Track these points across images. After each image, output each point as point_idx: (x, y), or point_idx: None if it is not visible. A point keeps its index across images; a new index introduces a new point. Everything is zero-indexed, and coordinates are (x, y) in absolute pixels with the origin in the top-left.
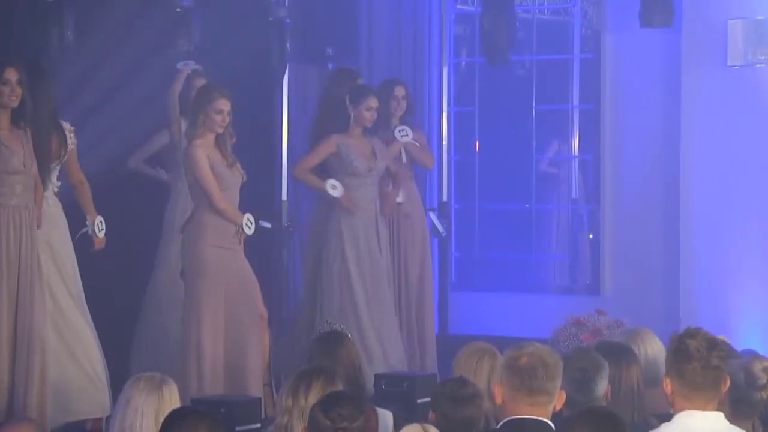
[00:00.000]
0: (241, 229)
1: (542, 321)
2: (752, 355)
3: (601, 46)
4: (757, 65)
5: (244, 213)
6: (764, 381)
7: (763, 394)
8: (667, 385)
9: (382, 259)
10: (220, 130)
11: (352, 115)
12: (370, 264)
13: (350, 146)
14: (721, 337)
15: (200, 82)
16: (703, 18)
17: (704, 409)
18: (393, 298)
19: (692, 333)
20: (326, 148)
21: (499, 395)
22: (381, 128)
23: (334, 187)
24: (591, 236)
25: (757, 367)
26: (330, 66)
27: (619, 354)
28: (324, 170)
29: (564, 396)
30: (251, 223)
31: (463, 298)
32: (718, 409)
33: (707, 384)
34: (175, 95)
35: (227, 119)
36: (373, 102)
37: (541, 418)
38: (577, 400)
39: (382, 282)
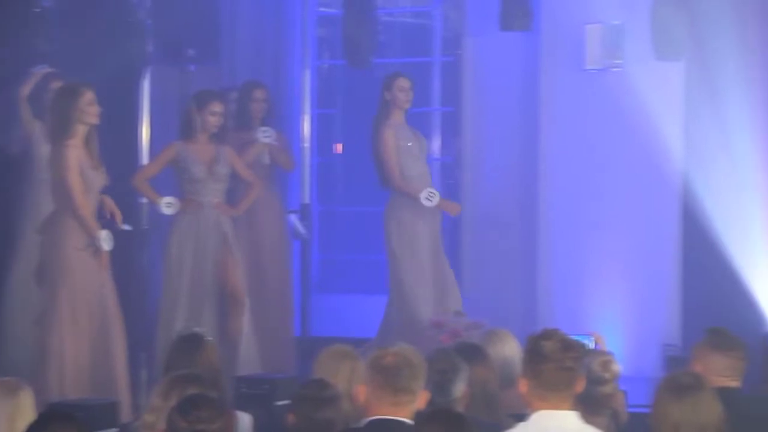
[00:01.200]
0: (97, 243)
1: None
2: (591, 351)
3: (462, 50)
4: (614, 69)
5: (103, 227)
6: (605, 376)
7: (607, 389)
8: (523, 385)
9: (228, 260)
10: (95, 120)
11: (198, 120)
12: (211, 265)
13: (189, 152)
14: (596, 334)
15: (57, 83)
16: (561, 22)
17: (559, 408)
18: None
19: (548, 335)
20: (166, 156)
21: (362, 394)
22: (243, 130)
23: (168, 206)
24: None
25: (597, 363)
26: (192, 68)
27: (475, 355)
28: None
29: (426, 396)
30: (108, 239)
31: (325, 301)
32: (572, 409)
33: (562, 384)
34: (23, 97)
35: (98, 109)
36: (217, 107)
37: (403, 419)
38: (435, 401)
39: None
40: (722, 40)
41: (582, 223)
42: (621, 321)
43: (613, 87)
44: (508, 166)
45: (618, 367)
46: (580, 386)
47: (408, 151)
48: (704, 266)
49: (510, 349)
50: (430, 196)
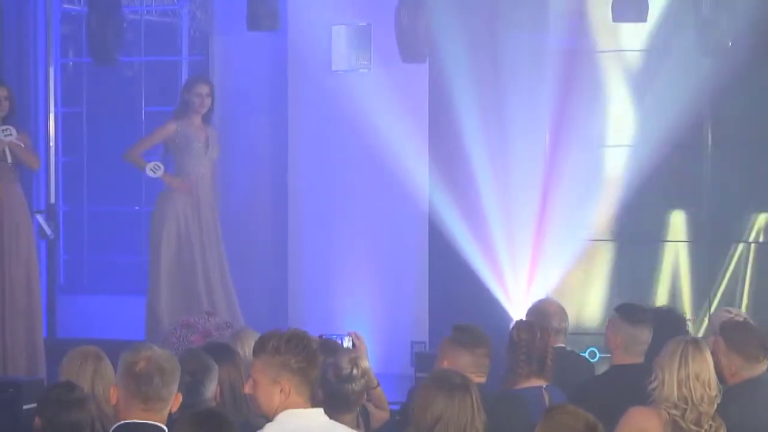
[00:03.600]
0: None
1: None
2: (339, 349)
3: (210, 49)
4: (360, 70)
5: None
6: (352, 372)
7: (354, 386)
8: None
9: None
10: None
11: None
12: None
13: None
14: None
15: None
16: (308, 23)
17: (304, 406)
18: None
19: (271, 333)
20: None
21: (114, 396)
22: None
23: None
24: None
25: (344, 360)
26: None
27: (225, 355)
28: None
29: (180, 398)
30: None
31: (73, 302)
32: (316, 406)
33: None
34: None
35: None
36: None
37: (155, 423)
38: (187, 402)
39: None
40: (460, 41)
41: (332, 224)
42: (370, 320)
43: (361, 88)
44: (258, 167)
45: (366, 363)
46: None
47: (193, 151)
48: (449, 265)
49: None
50: (155, 169)
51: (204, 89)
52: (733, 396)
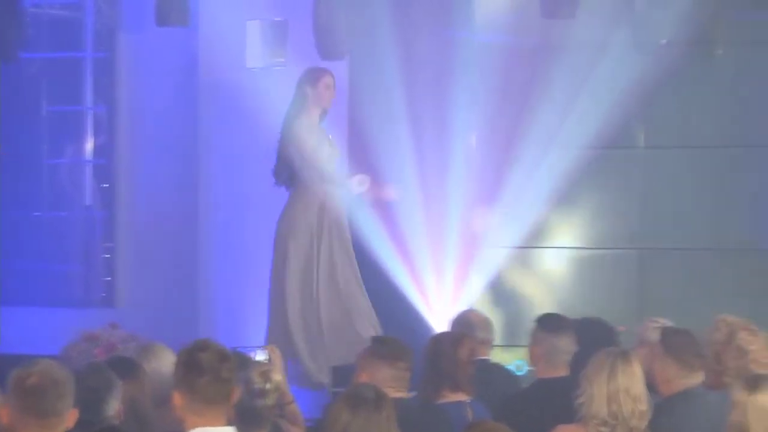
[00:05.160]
0: None
1: (54, 336)
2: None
3: (116, 45)
4: (276, 67)
5: None
6: (264, 387)
7: (267, 401)
8: (177, 399)
9: None
10: None
11: None
12: None
13: None
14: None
15: None
16: (221, 18)
17: (216, 424)
18: None
19: (203, 346)
20: None
21: (5, 417)
22: None
23: None
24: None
25: (255, 374)
26: None
27: (128, 370)
28: None
29: (76, 414)
30: None
31: None
32: (229, 424)
33: (219, 398)
34: None
35: None
36: None
37: None
38: (86, 420)
39: None
40: (382, 38)
41: (245, 229)
42: None
43: (276, 86)
44: (167, 168)
45: (280, 377)
46: (235, 398)
47: None
48: (368, 276)
49: (167, 365)
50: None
51: (331, 80)
52: (666, 409)
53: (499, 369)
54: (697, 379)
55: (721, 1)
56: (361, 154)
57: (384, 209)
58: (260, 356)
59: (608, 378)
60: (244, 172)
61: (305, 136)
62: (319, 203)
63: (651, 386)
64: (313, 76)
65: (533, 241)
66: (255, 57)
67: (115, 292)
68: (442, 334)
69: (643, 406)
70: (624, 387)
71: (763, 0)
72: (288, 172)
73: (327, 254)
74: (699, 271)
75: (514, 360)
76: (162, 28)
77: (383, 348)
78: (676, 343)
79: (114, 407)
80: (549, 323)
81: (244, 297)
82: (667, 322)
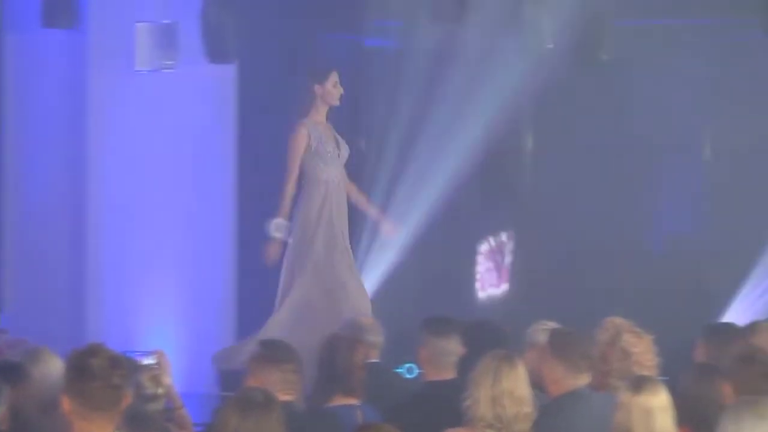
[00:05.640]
0: None
1: None
2: (140, 367)
3: (2, 46)
4: (166, 70)
5: None
6: (156, 392)
7: (156, 406)
8: (66, 404)
9: None
10: None
11: None
12: None
13: None
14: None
15: None
16: (109, 20)
17: (105, 430)
18: None
19: (94, 350)
20: None
21: None
22: None
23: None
24: None
25: (145, 378)
26: None
27: (14, 375)
28: None
29: None
30: None
31: None
32: (118, 429)
33: (109, 404)
34: None
35: None
36: None
37: None
38: None
39: None
40: (272, 41)
41: (134, 232)
42: (174, 335)
43: (166, 89)
44: (55, 170)
45: (169, 381)
46: (126, 404)
47: (327, 155)
48: (259, 280)
49: (54, 370)
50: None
51: (338, 77)
52: (553, 410)
53: (389, 372)
54: (583, 380)
55: (605, 8)
56: (252, 158)
57: (272, 210)
58: (149, 360)
59: (493, 381)
60: (135, 174)
61: (300, 143)
62: (322, 197)
63: (541, 387)
64: (321, 73)
65: (424, 242)
66: (144, 60)
67: (1, 296)
68: (337, 338)
69: (528, 408)
70: (508, 390)
71: (645, 7)
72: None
73: (322, 243)
74: (582, 270)
75: (404, 363)
76: (48, 30)
77: (271, 351)
78: (563, 345)
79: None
80: (435, 326)
81: (133, 300)
82: (555, 325)
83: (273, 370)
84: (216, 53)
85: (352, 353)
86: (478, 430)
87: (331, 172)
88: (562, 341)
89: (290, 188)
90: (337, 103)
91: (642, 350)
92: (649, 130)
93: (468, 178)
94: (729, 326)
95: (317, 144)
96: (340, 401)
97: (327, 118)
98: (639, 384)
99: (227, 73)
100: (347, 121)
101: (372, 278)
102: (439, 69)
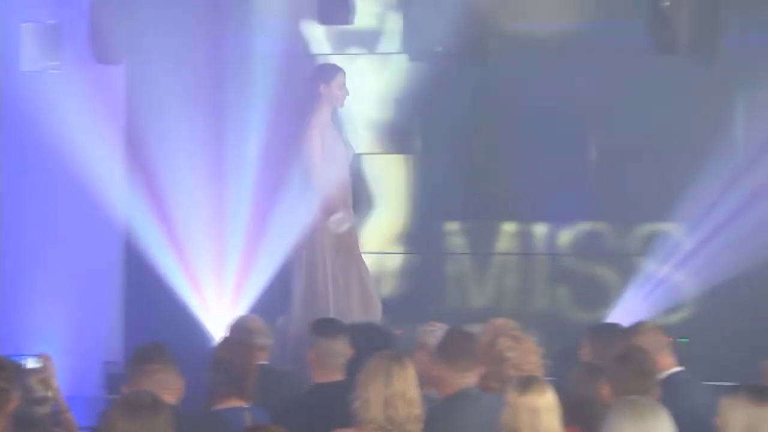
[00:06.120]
0: None
1: None
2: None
3: None
4: (52, 71)
5: None
6: (46, 395)
7: (44, 408)
8: None
9: None
10: None
11: None
12: None
13: None
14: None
15: None
16: None
17: None
18: None
19: None
20: None
21: None
22: None
23: None
24: None
25: (33, 381)
26: None
27: None
28: None
29: None
30: None
31: None
32: (5, 430)
33: None
34: None
35: None
36: None
37: None
38: None
39: None
40: (160, 42)
41: (19, 234)
42: (59, 338)
43: (52, 90)
44: None
45: (56, 385)
46: (12, 407)
47: (336, 157)
48: (146, 281)
49: None
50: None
51: (344, 79)
52: (441, 411)
53: (278, 374)
54: (471, 380)
55: (491, 11)
56: (140, 160)
57: (162, 213)
58: (33, 364)
59: (384, 382)
60: (18, 176)
61: (315, 147)
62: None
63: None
64: (326, 74)
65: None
66: (30, 60)
67: None
68: (229, 340)
69: (418, 410)
70: (400, 391)
71: (531, 10)
72: None
73: (333, 244)
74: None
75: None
76: None
77: (145, 355)
78: (451, 346)
79: None
80: (322, 327)
81: (18, 301)
82: (444, 326)
83: (143, 372)
84: (102, 54)
85: (250, 356)
86: None
87: (340, 172)
88: (449, 342)
89: (329, 189)
90: (341, 105)
91: (519, 354)
92: (535, 132)
93: (356, 178)
94: (613, 326)
95: (328, 146)
96: (228, 404)
97: (333, 118)
98: (525, 384)
99: (115, 74)
100: (238, 121)
101: (260, 279)
102: None
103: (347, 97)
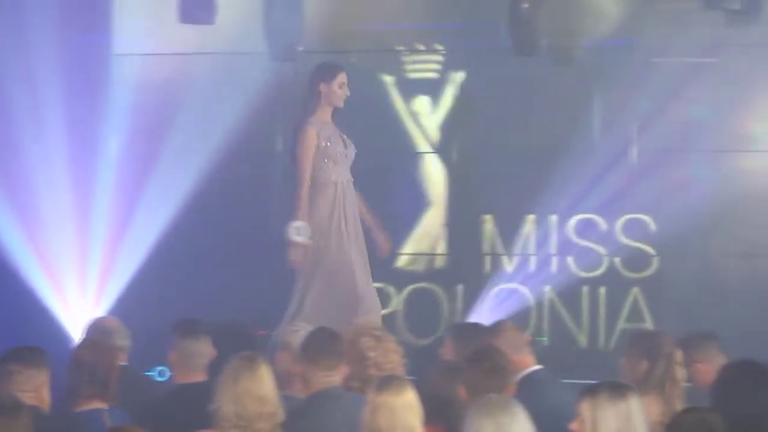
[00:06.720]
0: None
1: None
2: None
3: None
4: None
5: None
6: None
7: None
8: None
9: None
10: None
11: None
12: None
13: None
14: None
15: None
16: None
17: None
18: None
19: None
20: None
21: None
22: None
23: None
24: None
25: None
26: None
27: None
28: None
29: None
30: None
31: None
32: None
33: None
34: None
35: None
36: None
37: None
38: None
39: None
40: (17, 43)
41: None
42: None
43: None
44: None
45: None
46: None
47: (337, 155)
48: (3, 281)
49: None
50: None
51: (345, 78)
52: (303, 411)
53: (137, 375)
54: (334, 379)
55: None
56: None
57: (24, 213)
58: None
59: (233, 381)
60: None
61: (310, 144)
62: (332, 198)
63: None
64: (328, 73)
65: (167, 241)
66: None
67: None
68: (88, 342)
69: (270, 408)
70: (248, 389)
71: (391, 11)
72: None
73: (336, 245)
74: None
75: (155, 366)
76: None
77: (8, 356)
78: (314, 346)
79: None
80: (184, 328)
81: None
82: (306, 326)
83: (2, 374)
84: None
85: (113, 357)
86: (224, 431)
87: (341, 172)
88: (312, 342)
89: (305, 189)
90: (341, 104)
91: (379, 354)
92: (394, 133)
93: (214, 179)
94: (474, 326)
95: (326, 144)
96: (87, 405)
97: (333, 118)
98: (384, 383)
99: None
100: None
101: (118, 280)
102: (187, 70)
103: (346, 96)
